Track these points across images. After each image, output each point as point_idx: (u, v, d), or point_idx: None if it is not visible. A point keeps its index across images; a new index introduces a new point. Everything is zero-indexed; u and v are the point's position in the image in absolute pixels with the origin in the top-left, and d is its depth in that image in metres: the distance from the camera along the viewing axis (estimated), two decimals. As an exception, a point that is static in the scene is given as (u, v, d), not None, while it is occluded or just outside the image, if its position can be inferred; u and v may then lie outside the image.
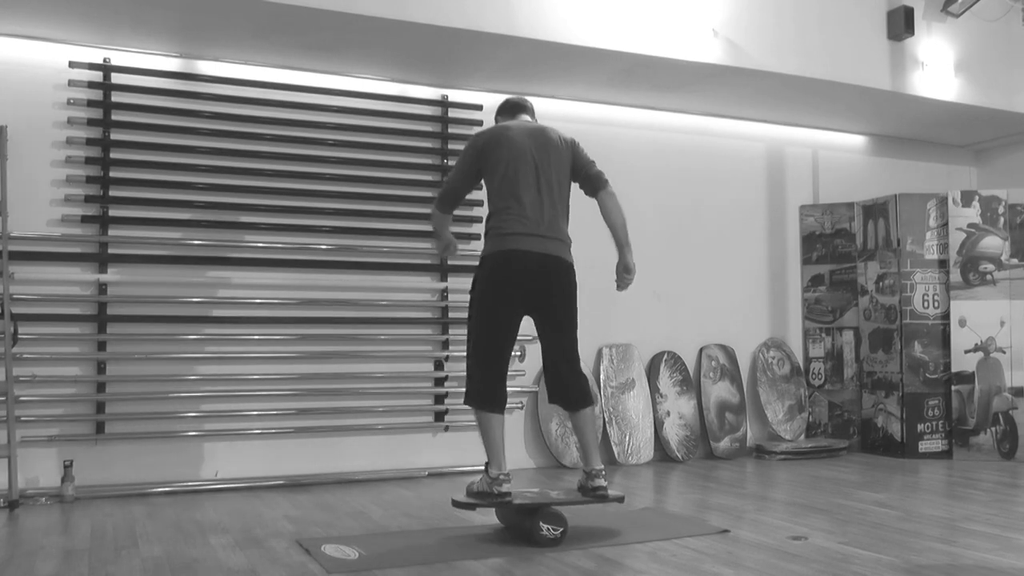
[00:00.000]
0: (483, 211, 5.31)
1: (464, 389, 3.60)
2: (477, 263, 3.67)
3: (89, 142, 4.61)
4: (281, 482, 4.76)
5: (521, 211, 3.53)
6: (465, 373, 3.62)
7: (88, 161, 4.60)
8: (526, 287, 3.52)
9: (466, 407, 3.63)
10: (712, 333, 6.11)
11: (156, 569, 3.02)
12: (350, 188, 5.12)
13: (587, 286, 5.61)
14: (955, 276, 5.79)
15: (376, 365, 5.14)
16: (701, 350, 6.03)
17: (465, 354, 3.66)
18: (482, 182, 3.72)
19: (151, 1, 4.12)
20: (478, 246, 5.33)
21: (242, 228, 4.89)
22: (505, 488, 3.43)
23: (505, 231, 3.53)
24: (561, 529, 3.37)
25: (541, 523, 3.35)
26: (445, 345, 5.27)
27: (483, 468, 3.50)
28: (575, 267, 3.68)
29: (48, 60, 4.56)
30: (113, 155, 4.65)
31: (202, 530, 3.65)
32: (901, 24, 5.60)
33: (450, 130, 5.37)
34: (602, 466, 3.55)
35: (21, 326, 4.29)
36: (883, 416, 5.96)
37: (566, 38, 4.75)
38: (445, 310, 5.29)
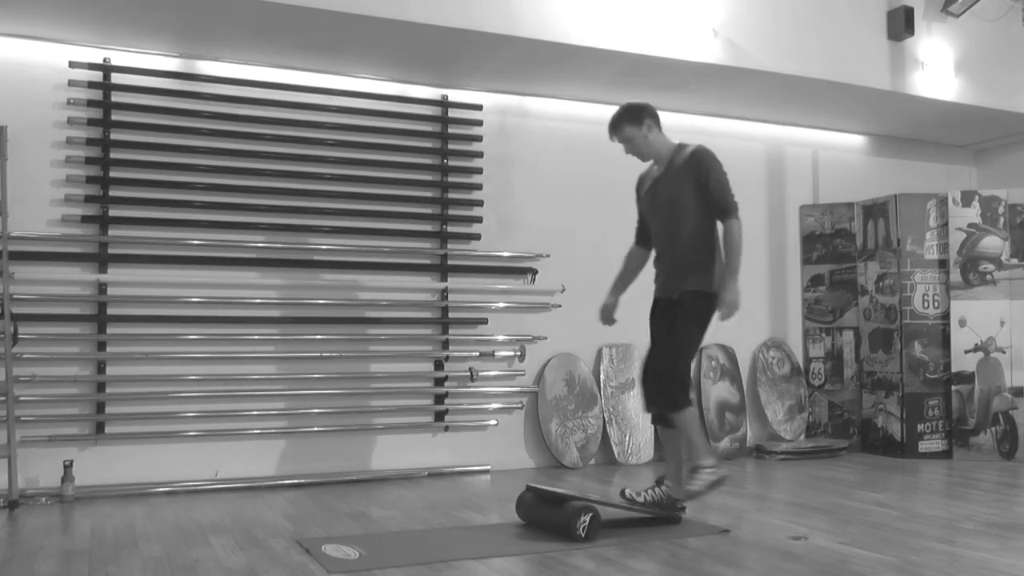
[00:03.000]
0: (482, 211, 5.38)
1: (675, 398, 3.70)
2: (707, 292, 3.78)
3: (89, 142, 4.61)
4: (281, 482, 4.76)
5: None
6: (677, 383, 3.71)
7: (88, 161, 4.60)
8: None
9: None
10: (712, 333, 6.08)
11: (156, 569, 3.02)
12: (350, 188, 5.12)
13: (587, 286, 5.65)
14: (955, 276, 5.79)
15: (376, 365, 5.14)
16: (701, 350, 6.03)
17: (674, 365, 3.74)
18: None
19: (151, 1, 4.12)
20: (478, 246, 5.39)
21: (242, 228, 4.88)
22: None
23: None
24: (592, 519, 3.43)
25: (583, 517, 3.39)
26: (445, 345, 5.27)
27: (697, 466, 3.67)
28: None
29: (48, 60, 4.56)
30: (113, 155, 4.65)
31: (202, 530, 3.66)
32: (901, 24, 5.59)
33: (450, 130, 5.37)
34: (703, 463, 3.70)
35: (21, 326, 4.29)
36: (883, 416, 5.96)
37: (566, 38, 4.75)
38: (445, 310, 5.29)
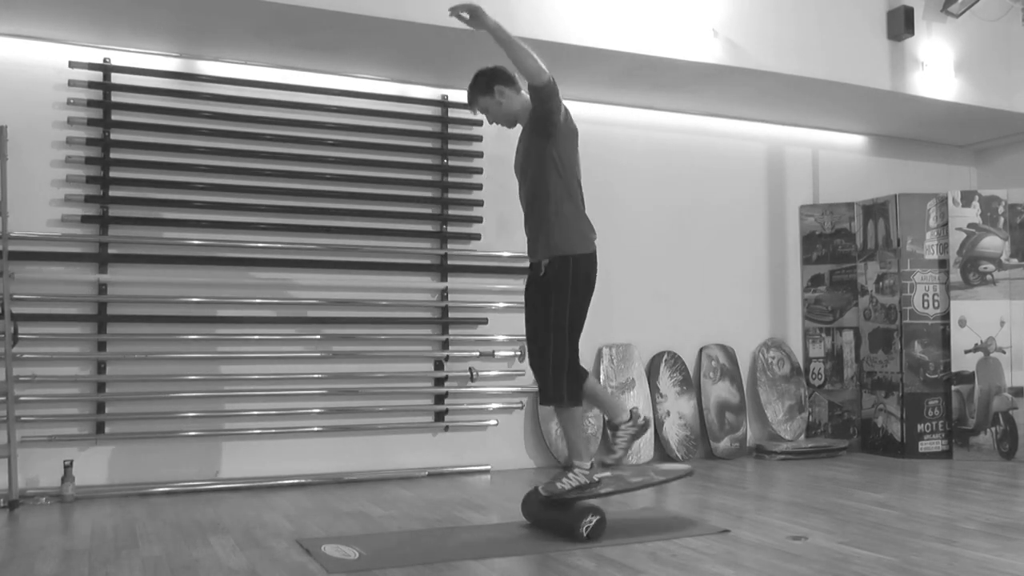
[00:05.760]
0: (482, 211, 5.38)
1: (545, 391, 3.53)
2: (563, 258, 3.50)
3: (89, 142, 4.61)
4: (281, 482, 4.76)
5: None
6: (545, 374, 3.50)
7: (88, 161, 4.60)
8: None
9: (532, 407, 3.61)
10: (712, 333, 6.11)
11: (156, 569, 3.02)
12: (350, 188, 5.12)
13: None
14: (955, 276, 5.79)
15: (376, 365, 5.13)
16: (701, 350, 6.03)
17: (546, 358, 3.50)
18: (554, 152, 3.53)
19: (151, 1, 4.12)
20: (477, 246, 5.39)
21: (242, 228, 4.88)
22: (598, 476, 3.54)
23: (589, 225, 3.59)
24: (597, 521, 3.42)
25: (590, 517, 3.40)
26: (445, 345, 5.27)
27: (569, 464, 3.55)
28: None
29: (48, 60, 4.56)
30: (113, 155, 4.65)
31: (202, 530, 3.66)
32: (901, 24, 5.60)
33: (450, 130, 5.37)
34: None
35: (21, 326, 4.29)
36: (883, 416, 5.96)
37: (566, 38, 4.75)
38: (445, 310, 5.29)
